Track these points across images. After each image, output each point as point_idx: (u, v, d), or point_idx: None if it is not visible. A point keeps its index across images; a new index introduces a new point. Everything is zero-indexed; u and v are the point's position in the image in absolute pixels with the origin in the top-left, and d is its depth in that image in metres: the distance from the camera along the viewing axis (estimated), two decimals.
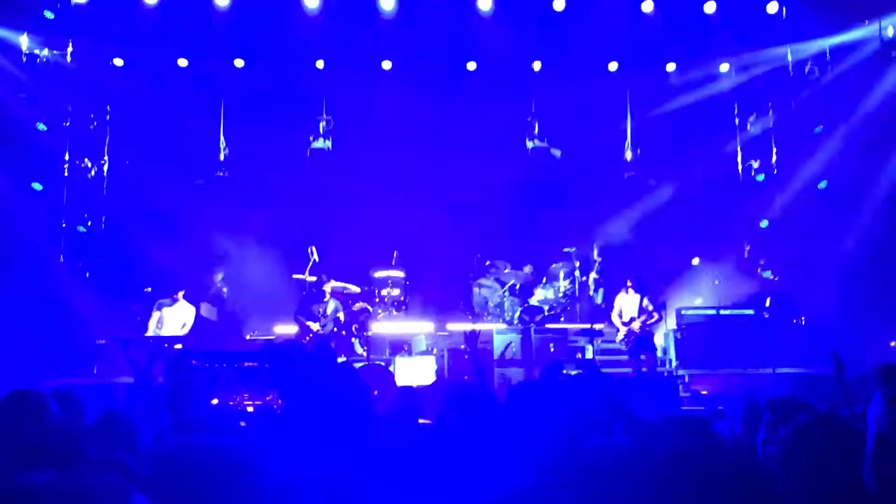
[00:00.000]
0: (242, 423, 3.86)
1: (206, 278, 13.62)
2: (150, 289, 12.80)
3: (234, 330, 13.54)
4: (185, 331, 11.81)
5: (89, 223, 14.05)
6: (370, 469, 3.40)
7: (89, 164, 14.08)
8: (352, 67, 14.57)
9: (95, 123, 14.18)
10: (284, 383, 3.78)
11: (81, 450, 2.78)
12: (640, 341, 11.79)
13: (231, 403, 9.60)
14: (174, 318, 11.93)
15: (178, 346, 11.04)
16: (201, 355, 9.84)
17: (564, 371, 6.03)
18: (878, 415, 1.59)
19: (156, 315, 11.92)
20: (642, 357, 11.70)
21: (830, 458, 1.93)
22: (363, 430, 3.43)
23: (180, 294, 11.99)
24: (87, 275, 13.72)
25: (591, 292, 14.05)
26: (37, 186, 13.43)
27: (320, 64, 14.49)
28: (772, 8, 13.06)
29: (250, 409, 9.78)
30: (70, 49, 13.44)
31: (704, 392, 11.69)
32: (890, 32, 12.75)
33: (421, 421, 5.58)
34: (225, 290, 13.49)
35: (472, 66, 14.73)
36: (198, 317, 12.26)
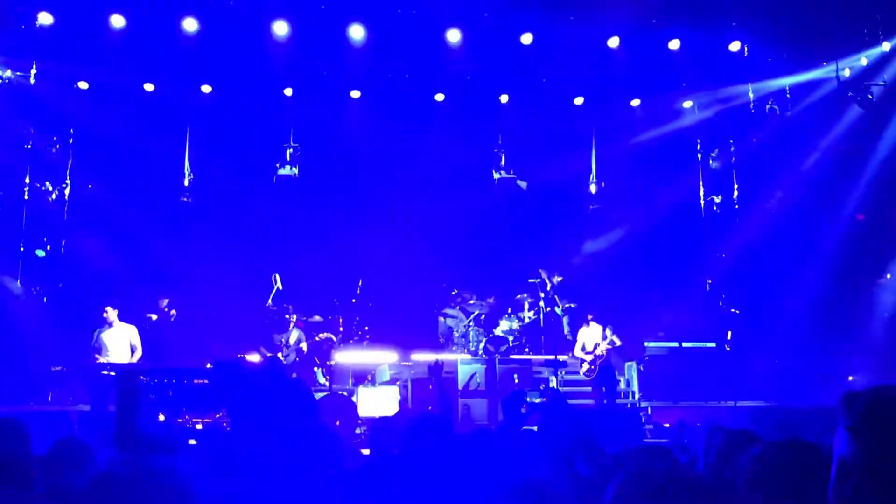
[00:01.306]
0: (192, 442, 3.78)
1: (154, 305, 13.27)
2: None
3: (195, 357, 13.33)
4: (138, 356, 11.45)
5: (48, 247, 13.80)
6: (327, 495, 3.34)
7: (50, 188, 13.86)
8: (320, 95, 14.57)
9: (58, 146, 13.98)
10: (233, 401, 3.71)
11: (29, 479, 2.68)
12: (603, 373, 11.82)
13: (180, 421, 9.42)
14: (117, 342, 11.48)
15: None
16: (150, 372, 9.64)
17: (527, 400, 6.01)
18: (839, 442, 1.63)
19: (98, 339, 11.51)
20: (603, 389, 11.73)
21: (794, 482, 2.00)
22: (312, 450, 3.37)
23: (113, 314, 11.53)
24: (45, 300, 13.46)
25: (559, 311, 14.12)
26: None
27: (288, 91, 14.47)
28: (734, 47, 13.35)
29: (199, 426, 9.60)
30: (34, 71, 13.26)
31: (667, 425, 11.74)
32: (846, 73, 13.10)
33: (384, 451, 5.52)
34: (173, 312, 13.17)
35: (440, 97, 14.83)
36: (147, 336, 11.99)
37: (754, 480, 2.08)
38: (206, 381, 9.67)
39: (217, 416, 9.70)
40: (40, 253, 13.71)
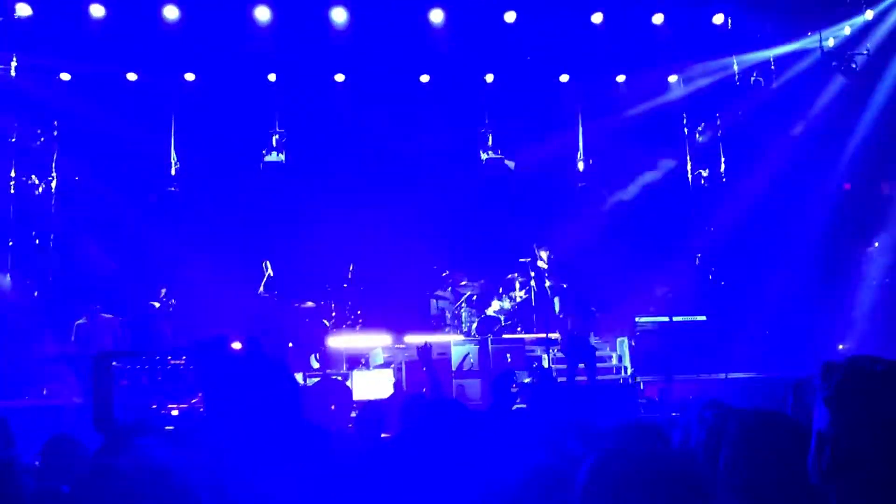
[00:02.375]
0: (169, 427, 3.75)
1: (153, 295, 13.30)
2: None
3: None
4: None
5: (37, 240, 13.74)
6: (322, 481, 3.36)
7: (36, 181, 13.78)
8: (304, 80, 14.52)
9: (43, 139, 13.88)
10: (209, 383, 3.66)
11: (14, 482, 2.57)
12: (579, 348, 11.56)
13: (154, 407, 9.43)
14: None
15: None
16: (124, 356, 9.64)
17: (515, 381, 6.03)
18: (818, 413, 1.66)
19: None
20: (580, 366, 11.52)
21: (777, 454, 2.01)
22: (293, 435, 3.37)
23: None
24: (36, 293, 13.43)
25: (549, 294, 14.08)
26: None
27: (272, 77, 14.40)
28: (718, 19, 13.34)
29: (175, 412, 9.61)
30: (14, 63, 13.15)
31: (658, 399, 11.82)
32: (830, 43, 13.11)
33: (382, 435, 5.56)
34: (172, 301, 13.20)
35: (425, 78, 14.77)
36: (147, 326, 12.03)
37: (734, 456, 2.10)
38: (181, 363, 9.65)
39: (193, 400, 9.71)
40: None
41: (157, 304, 12.98)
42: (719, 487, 2.05)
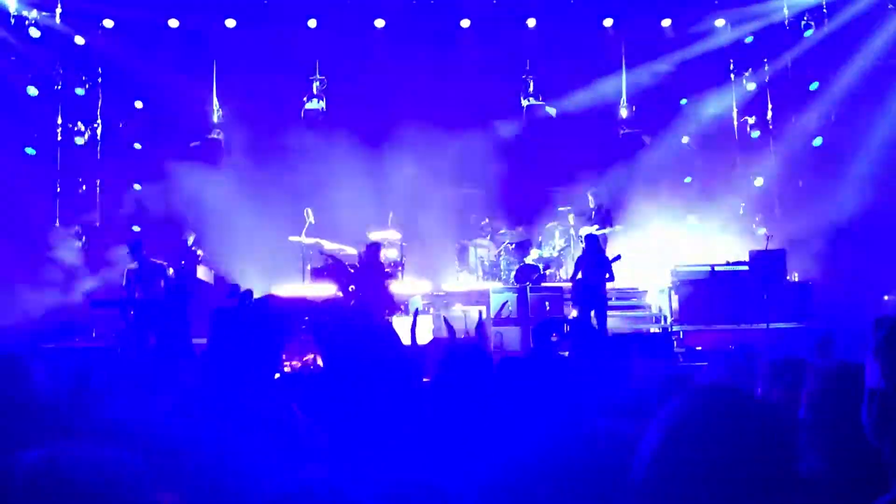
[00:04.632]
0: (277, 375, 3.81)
1: (178, 241, 13.41)
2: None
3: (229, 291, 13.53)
4: None
5: (84, 187, 13.99)
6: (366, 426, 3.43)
7: (82, 128, 13.99)
8: (344, 26, 14.43)
9: (87, 86, 14.04)
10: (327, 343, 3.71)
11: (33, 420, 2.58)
12: (591, 295, 11.44)
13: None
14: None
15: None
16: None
17: (555, 331, 6.03)
18: (868, 367, 1.64)
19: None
20: (591, 313, 11.38)
21: (851, 405, 1.89)
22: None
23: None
24: (84, 238, 13.71)
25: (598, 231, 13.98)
26: (30, 151, 13.36)
27: (312, 23, 14.34)
28: None
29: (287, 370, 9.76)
30: (59, 10, 13.26)
31: (699, 348, 11.77)
32: None
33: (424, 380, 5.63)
34: (200, 252, 13.35)
35: (465, 23, 14.60)
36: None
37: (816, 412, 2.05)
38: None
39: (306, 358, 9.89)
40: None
41: (200, 252, 13.17)
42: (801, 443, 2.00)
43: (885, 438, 1.59)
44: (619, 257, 11.70)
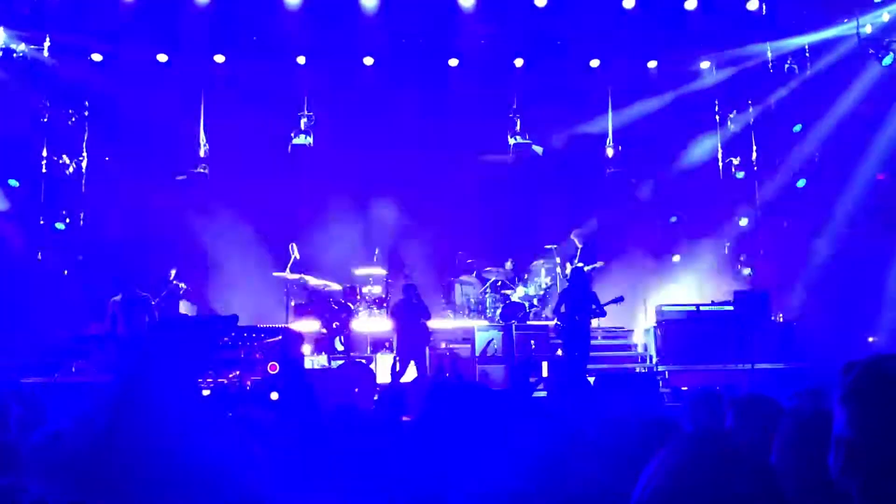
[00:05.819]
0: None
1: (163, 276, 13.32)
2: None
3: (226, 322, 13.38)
4: None
5: (67, 220, 13.89)
6: (343, 463, 3.38)
7: (67, 161, 13.94)
8: (333, 63, 14.50)
9: (74, 119, 14.02)
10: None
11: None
12: (575, 335, 11.35)
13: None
14: None
15: None
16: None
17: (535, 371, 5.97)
18: (836, 414, 1.59)
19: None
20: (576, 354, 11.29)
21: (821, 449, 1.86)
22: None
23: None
24: (66, 272, 13.59)
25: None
26: (13, 183, 13.28)
27: (301, 59, 14.40)
28: (752, 5, 13.11)
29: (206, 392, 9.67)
30: (47, 44, 13.29)
31: (685, 388, 11.70)
32: (868, 30, 12.82)
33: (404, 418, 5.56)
34: (182, 286, 13.24)
35: (453, 62, 14.70)
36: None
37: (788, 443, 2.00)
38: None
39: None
40: (60, 226, 13.81)
41: (183, 286, 13.07)
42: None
43: (853, 487, 1.55)
44: (621, 299, 11.62)
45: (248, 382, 10.18)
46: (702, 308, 13.06)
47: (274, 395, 7.86)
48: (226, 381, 10.36)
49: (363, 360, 11.70)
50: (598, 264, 13.72)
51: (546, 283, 14.39)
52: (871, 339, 12.63)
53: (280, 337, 10.05)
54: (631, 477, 1.72)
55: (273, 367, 10.03)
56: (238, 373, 10.45)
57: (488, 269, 14.58)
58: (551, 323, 13.21)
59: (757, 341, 12.14)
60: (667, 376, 12.15)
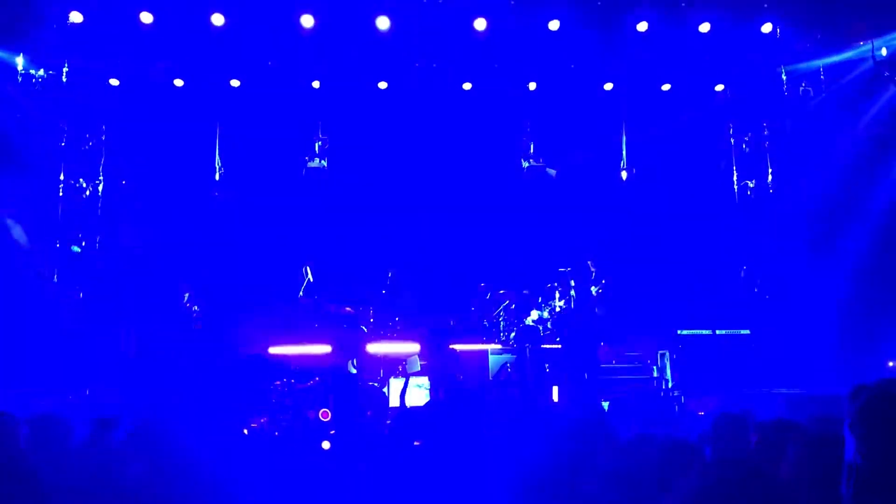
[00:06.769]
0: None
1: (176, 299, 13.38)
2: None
3: (227, 349, 13.42)
4: None
5: (84, 243, 13.99)
6: (353, 486, 3.36)
7: (84, 184, 14.06)
8: (348, 87, 14.60)
9: (91, 143, 14.17)
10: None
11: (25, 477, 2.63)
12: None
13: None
14: None
15: None
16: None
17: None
18: (846, 438, 1.55)
19: None
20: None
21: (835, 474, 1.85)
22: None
23: None
24: (81, 295, 13.66)
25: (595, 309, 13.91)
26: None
27: (316, 84, 14.51)
28: (766, 28, 13.10)
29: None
30: (66, 69, 13.46)
31: (701, 413, 11.59)
32: (883, 53, 12.78)
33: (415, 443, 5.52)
34: (195, 308, 13.29)
35: (467, 85, 14.76)
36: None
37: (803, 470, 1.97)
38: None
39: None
40: (76, 249, 13.92)
41: (196, 309, 13.11)
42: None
43: None
44: (632, 321, 11.63)
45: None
46: (718, 332, 12.96)
47: (325, 445, 7.95)
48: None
49: (376, 384, 11.65)
50: (596, 290, 13.70)
51: (560, 307, 14.31)
52: (891, 364, 12.49)
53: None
54: (642, 500, 1.69)
55: (325, 415, 10.18)
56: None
57: (501, 291, 14.52)
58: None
59: (773, 366, 12.05)
60: (683, 401, 12.04)
